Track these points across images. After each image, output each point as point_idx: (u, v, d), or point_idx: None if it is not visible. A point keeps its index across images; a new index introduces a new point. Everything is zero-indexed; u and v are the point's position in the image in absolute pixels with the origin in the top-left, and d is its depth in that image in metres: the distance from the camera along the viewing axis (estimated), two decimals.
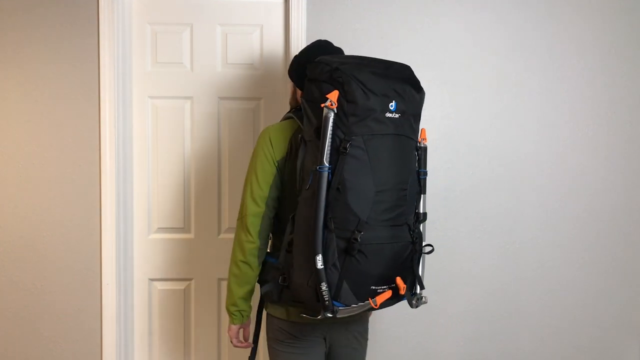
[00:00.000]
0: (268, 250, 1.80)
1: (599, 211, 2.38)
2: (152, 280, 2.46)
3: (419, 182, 1.71)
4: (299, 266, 1.59)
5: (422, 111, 1.68)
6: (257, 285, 1.79)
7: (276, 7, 2.41)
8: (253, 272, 1.74)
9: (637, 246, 2.39)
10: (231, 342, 1.85)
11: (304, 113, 1.64)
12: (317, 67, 1.60)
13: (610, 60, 2.36)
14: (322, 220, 1.51)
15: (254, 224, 1.71)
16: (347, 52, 2.01)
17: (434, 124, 2.32)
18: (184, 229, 2.45)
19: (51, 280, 2.34)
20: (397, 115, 1.58)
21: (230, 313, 1.79)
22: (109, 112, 2.32)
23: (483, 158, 2.35)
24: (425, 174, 1.74)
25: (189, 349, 2.47)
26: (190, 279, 2.46)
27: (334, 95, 1.52)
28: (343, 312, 1.55)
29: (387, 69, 1.61)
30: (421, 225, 1.74)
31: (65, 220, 2.33)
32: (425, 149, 1.73)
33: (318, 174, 1.51)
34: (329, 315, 1.53)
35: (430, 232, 2.18)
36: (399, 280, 1.60)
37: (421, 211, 1.73)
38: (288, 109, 2.34)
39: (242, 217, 1.72)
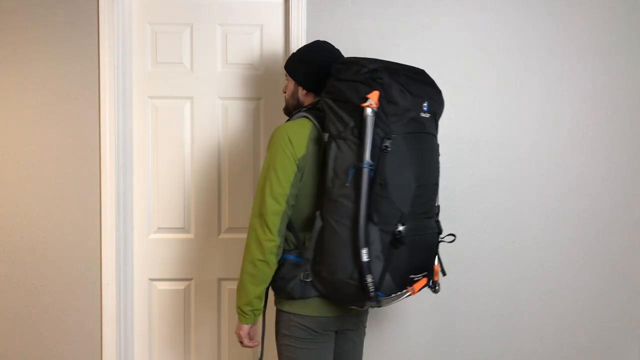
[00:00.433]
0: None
1: (599, 211, 2.38)
2: (152, 280, 2.46)
3: None
4: (336, 261, 1.64)
5: None
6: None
7: (276, 7, 2.41)
8: (271, 271, 1.73)
9: (637, 246, 2.39)
10: (241, 342, 1.84)
11: (329, 112, 1.69)
12: (351, 68, 1.67)
13: (610, 60, 2.36)
14: (366, 215, 1.59)
15: (275, 222, 1.70)
16: (347, 53, 2.02)
17: None
18: (184, 229, 2.45)
19: (51, 280, 2.34)
20: (428, 116, 1.69)
21: (243, 313, 1.77)
22: (109, 112, 2.32)
23: (483, 158, 2.35)
24: None
25: (189, 349, 2.47)
26: (190, 279, 2.46)
27: (374, 96, 1.59)
28: (385, 301, 1.66)
29: (417, 73, 1.72)
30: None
31: (65, 220, 2.33)
32: None
33: (361, 171, 1.59)
34: (373, 306, 1.64)
35: None
36: (436, 267, 1.77)
37: (437, 204, 1.83)
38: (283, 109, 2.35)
39: (260, 215, 1.70)
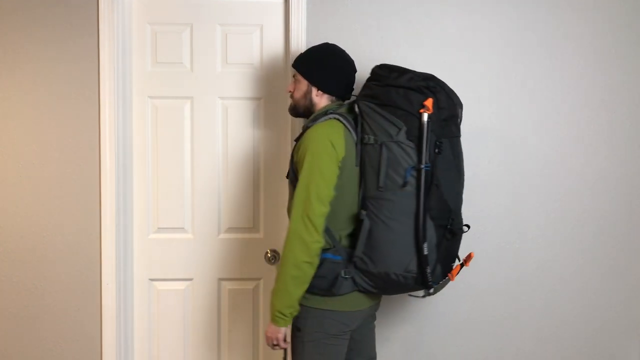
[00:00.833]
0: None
1: (599, 211, 2.38)
2: (152, 280, 2.46)
3: None
4: (390, 256, 1.77)
5: None
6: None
7: (276, 7, 2.41)
8: (313, 272, 1.78)
9: (637, 246, 2.39)
10: (274, 345, 1.85)
11: (375, 116, 1.79)
12: (402, 76, 1.79)
13: (610, 60, 2.36)
14: (425, 211, 1.75)
15: (321, 223, 1.76)
16: (346, 52, 2.02)
17: None
18: (184, 229, 2.45)
19: (51, 280, 2.34)
20: (459, 121, 1.90)
21: (282, 316, 1.79)
22: (109, 112, 2.32)
23: (483, 158, 2.35)
24: None
25: (188, 349, 2.47)
26: (190, 279, 2.46)
27: (430, 103, 1.74)
28: (436, 289, 1.84)
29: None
30: None
31: (65, 220, 2.33)
32: None
33: (421, 172, 1.74)
34: (426, 294, 1.83)
35: None
36: (472, 254, 1.96)
37: None
38: (288, 109, 2.35)
39: (307, 217, 1.74)
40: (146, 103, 2.43)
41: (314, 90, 1.93)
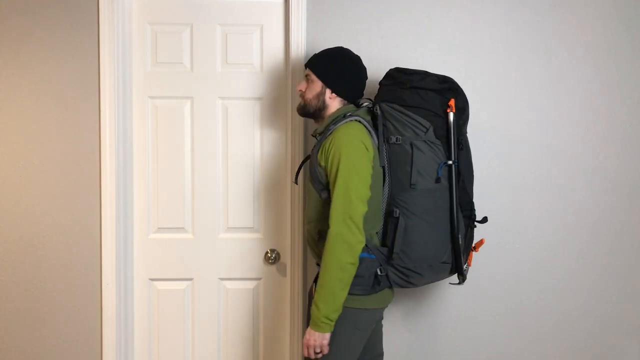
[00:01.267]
0: None
1: (599, 210, 2.38)
2: (152, 280, 2.46)
3: None
4: (427, 249, 1.85)
5: None
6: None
7: (276, 7, 2.41)
8: (355, 272, 1.80)
9: (637, 246, 2.39)
10: (317, 354, 1.82)
11: (401, 118, 1.86)
12: (425, 78, 1.88)
13: (610, 60, 2.36)
14: (458, 204, 1.88)
15: (362, 223, 1.80)
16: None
17: None
18: (184, 229, 2.45)
19: (51, 280, 2.34)
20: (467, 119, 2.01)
21: (329, 321, 1.79)
22: (109, 112, 2.32)
23: (483, 158, 2.35)
24: None
25: (189, 348, 2.47)
26: (190, 279, 2.46)
27: (453, 103, 1.86)
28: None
29: None
30: None
31: (65, 220, 2.33)
32: None
33: (451, 168, 1.86)
34: (460, 281, 1.96)
35: None
36: (483, 240, 2.04)
37: None
38: (288, 109, 2.35)
39: (349, 218, 1.77)
40: (146, 103, 2.43)
41: (328, 92, 1.95)
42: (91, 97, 2.32)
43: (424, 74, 1.91)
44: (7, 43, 2.31)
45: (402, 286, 1.91)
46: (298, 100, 2.28)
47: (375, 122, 1.93)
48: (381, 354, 2.11)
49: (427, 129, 1.85)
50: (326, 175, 1.87)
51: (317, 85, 1.95)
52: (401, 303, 2.36)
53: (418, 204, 1.85)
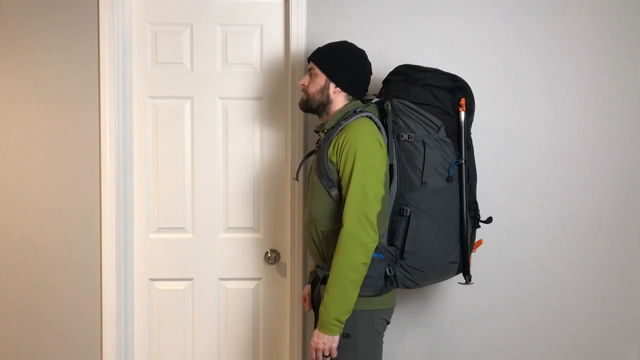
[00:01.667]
0: None
1: (598, 211, 2.38)
2: (152, 280, 2.46)
3: None
4: (436, 249, 1.84)
5: None
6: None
7: (276, 7, 2.41)
8: (366, 273, 1.76)
9: (637, 246, 2.39)
10: (325, 357, 1.77)
11: (412, 115, 1.84)
12: (437, 77, 1.87)
13: (610, 60, 2.36)
14: (467, 204, 1.88)
15: (376, 222, 1.76)
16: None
17: None
18: (184, 229, 2.45)
19: (51, 280, 2.34)
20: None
21: (340, 323, 1.74)
22: (109, 112, 2.32)
23: (483, 158, 2.34)
24: None
25: (189, 348, 2.47)
26: (190, 279, 2.46)
27: (464, 102, 1.85)
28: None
29: None
30: None
31: (65, 221, 2.33)
32: None
33: (462, 167, 1.86)
34: (467, 280, 1.94)
35: None
36: (482, 241, 2.02)
37: None
38: (288, 109, 2.35)
39: (364, 217, 1.73)
40: (146, 103, 2.43)
41: (332, 86, 1.90)
42: (91, 97, 2.32)
43: (437, 72, 1.90)
44: (6, 43, 2.31)
45: (408, 286, 1.87)
46: (298, 100, 2.29)
47: (384, 118, 1.89)
48: None
49: (439, 128, 1.84)
50: (337, 172, 1.81)
51: (321, 79, 1.90)
52: (400, 302, 2.36)
53: (429, 203, 1.83)
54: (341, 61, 1.90)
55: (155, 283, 2.46)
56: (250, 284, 2.47)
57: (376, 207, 1.75)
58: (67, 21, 2.31)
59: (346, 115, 1.87)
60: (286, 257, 2.41)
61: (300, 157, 2.32)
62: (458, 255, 1.89)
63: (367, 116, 1.85)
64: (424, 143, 1.83)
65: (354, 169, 1.75)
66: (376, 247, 1.79)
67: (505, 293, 2.38)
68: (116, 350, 2.35)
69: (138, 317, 2.46)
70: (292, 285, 2.36)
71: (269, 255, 2.43)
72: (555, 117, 2.36)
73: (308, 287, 2.08)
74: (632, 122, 2.37)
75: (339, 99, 1.91)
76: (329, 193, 1.83)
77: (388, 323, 1.89)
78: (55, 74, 2.32)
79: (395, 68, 1.98)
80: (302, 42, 2.31)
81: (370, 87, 2.00)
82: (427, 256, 1.83)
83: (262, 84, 2.43)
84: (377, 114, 1.90)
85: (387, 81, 1.98)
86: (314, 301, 1.95)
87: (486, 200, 2.34)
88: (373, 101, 1.94)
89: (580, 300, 2.39)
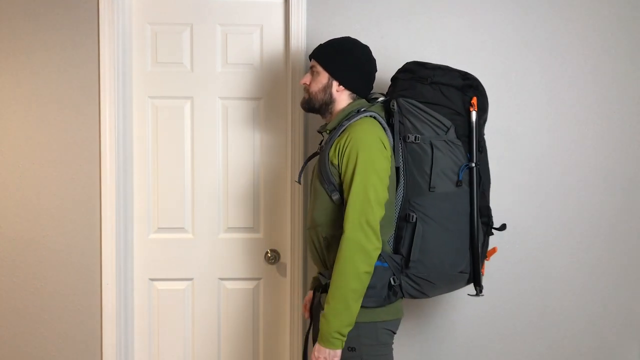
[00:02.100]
0: None
1: (598, 211, 2.38)
2: (152, 280, 2.46)
3: None
4: (444, 257, 1.72)
5: None
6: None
7: (276, 7, 2.41)
8: (368, 282, 1.66)
9: (637, 246, 2.39)
10: None
11: (419, 115, 1.74)
12: (447, 74, 1.76)
13: (610, 60, 2.36)
14: (478, 210, 1.77)
15: (379, 228, 1.67)
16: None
17: None
18: (184, 229, 2.45)
19: (51, 280, 2.34)
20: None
21: (340, 337, 1.64)
22: (109, 112, 2.32)
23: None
24: None
25: (189, 348, 2.47)
26: (190, 279, 2.46)
27: (475, 101, 1.74)
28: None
29: None
30: None
31: (65, 220, 2.33)
32: None
33: (473, 171, 1.74)
34: (478, 292, 1.83)
35: None
36: (496, 248, 1.94)
37: None
38: (288, 109, 2.35)
39: (366, 223, 1.63)
40: (146, 103, 2.43)
41: (335, 85, 1.82)
42: (91, 97, 2.32)
43: (447, 69, 1.78)
44: (6, 43, 2.31)
45: (414, 297, 1.77)
46: (298, 100, 2.29)
47: (390, 118, 1.78)
48: None
49: (448, 128, 1.73)
50: (339, 175, 1.72)
51: (323, 77, 1.82)
52: None
53: (436, 209, 1.71)
54: (344, 58, 1.81)
55: (155, 283, 2.46)
56: (250, 284, 2.47)
57: (379, 213, 1.66)
58: (67, 21, 2.31)
59: (349, 115, 1.78)
60: (286, 257, 2.41)
61: (300, 157, 2.32)
62: (468, 265, 1.77)
63: (371, 116, 1.76)
64: (431, 145, 1.72)
65: (355, 171, 1.66)
66: (380, 255, 1.70)
67: (505, 293, 2.38)
68: (116, 350, 2.35)
69: (138, 317, 2.46)
70: (292, 285, 2.36)
71: (269, 255, 2.43)
72: (555, 117, 2.36)
73: (311, 294, 1.99)
74: (632, 122, 2.37)
75: (342, 98, 1.83)
76: (330, 197, 1.75)
77: (395, 333, 1.79)
78: (55, 74, 2.32)
79: (403, 65, 1.87)
80: (302, 41, 2.31)
81: (376, 86, 1.94)
82: (434, 265, 1.71)
83: (262, 84, 2.43)
84: (382, 113, 1.81)
85: (394, 79, 1.87)
86: (313, 309, 1.88)
87: None
88: (379, 100, 1.84)
89: (580, 300, 2.39)
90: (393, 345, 1.82)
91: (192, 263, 2.45)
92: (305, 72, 2.30)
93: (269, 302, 2.47)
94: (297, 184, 2.32)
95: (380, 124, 1.77)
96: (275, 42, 2.42)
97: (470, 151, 1.75)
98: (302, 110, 2.24)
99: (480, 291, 1.82)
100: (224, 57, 2.42)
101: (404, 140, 1.75)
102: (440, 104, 1.74)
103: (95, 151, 2.33)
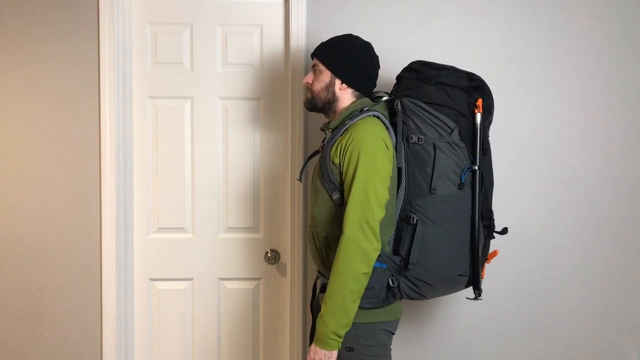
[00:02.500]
0: None
1: (599, 211, 2.38)
2: (152, 280, 2.46)
3: None
4: (444, 260, 1.72)
5: None
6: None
7: (276, 7, 2.41)
8: (367, 283, 1.66)
9: (637, 246, 2.39)
10: None
11: (424, 115, 1.73)
12: (452, 75, 1.75)
13: (610, 61, 2.36)
14: (480, 213, 1.76)
15: (378, 229, 1.66)
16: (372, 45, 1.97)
17: None
18: (184, 229, 2.45)
19: (51, 280, 2.34)
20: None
21: (338, 337, 1.64)
22: (109, 112, 2.32)
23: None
24: None
25: (189, 348, 2.47)
26: (190, 279, 2.46)
27: (480, 102, 1.73)
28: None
29: None
30: None
31: (65, 220, 2.33)
32: None
33: (475, 173, 1.73)
34: (477, 295, 1.81)
35: None
36: (497, 251, 1.91)
37: None
38: (288, 109, 2.35)
39: (366, 223, 1.63)
40: (146, 103, 2.43)
41: (338, 83, 1.80)
42: (91, 97, 2.32)
43: (452, 70, 1.77)
44: (6, 43, 2.31)
45: (412, 298, 1.76)
46: (298, 100, 2.29)
47: (393, 118, 1.77)
48: None
49: (452, 130, 1.72)
50: (340, 174, 1.71)
51: (326, 75, 1.80)
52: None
53: (437, 211, 1.70)
54: (346, 55, 1.79)
55: (155, 283, 2.46)
56: (250, 284, 2.47)
57: (379, 213, 1.65)
58: (67, 21, 2.31)
59: (352, 114, 1.77)
60: (286, 257, 2.41)
61: (300, 156, 2.32)
62: (468, 268, 1.76)
63: (374, 115, 1.75)
64: (434, 146, 1.71)
65: (356, 171, 1.65)
66: (379, 256, 1.69)
67: (506, 293, 2.38)
68: (116, 350, 2.35)
69: (138, 317, 2.46)
70: (292, 285, 2.36)
71: (269, 255, 2.43)
72: (556, 116, 2.36)
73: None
74: (634, 121, 2.37)
75: (345, 96, 1.82)
76: (330, 196, 1.74)
77: (393, 334, 1.79)
78: (55, 74, 2.32)
79: (409, 64, 1.85)
80: (302, 41, 2.31)
81: (379, 85, 1.93)
82: (433, 267, 1.71)
83: (262, 83, 2.43)
84: (386, 113, 1.80)
85: (399, 78, 1.86)
86: (313, 309, 1.88)
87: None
88: (383, 99, 1.83)
89: (581, 301, 2.39)
90: (391, 346, 1.82)
91: (192, 263, 2.45)
92: (306, 72, 2.30)
93: (269, 302, 2.47)
94: (297, 184, 2.32)
95: (384, 123, 1.76)
96: (275, 42, 2.42)
97: (473, 153, 1.74)
98: (302, 110, 2.24)
99: (479, 295, 1.81)
100: (224, 57, 2.42)
101: (407, 141, 1.74)
102: (445, 104, 1.73)
103: (95, 151, 2.33)
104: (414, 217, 1.71)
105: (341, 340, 1.65)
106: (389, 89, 1.96)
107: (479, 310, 2.37)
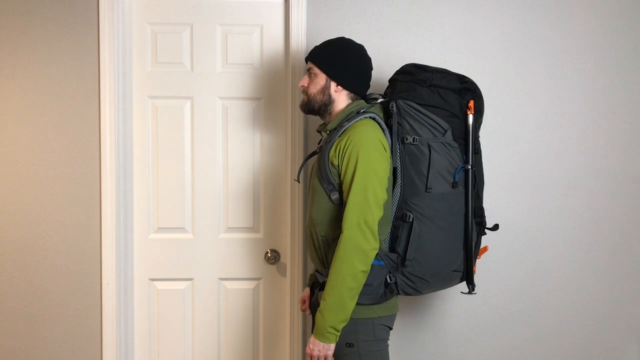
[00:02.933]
0: None
1: (598, 211, 2.38)
2: (152, 280, 2.46)
3: None
4: (439, 256, 1.78)
5: None
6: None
7: (276, 7, 2.41)
8: (365, 280, 1.71)
9: (637, 246, 2.39)
10: None
11: (418, 117, 1.78)
12: (445, 77, 1.81)
13: (610, 60, 2.36)
14: (473, 211, 1.82)
15: (377, 229, 1.71)
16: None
17: None
18: (184, 229, 2.45)
19: (51, 280, 2.34)
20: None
21: (335, 332, 1.70)
22: (109, 112, 2.32)
23: (482, 158, 2.34)
24: None
25: (188, 348, 2.47)
26: (190, 279, 2.46)
27: (472, 104, 1.79)
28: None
29: None
30: None
31: (65, 220, 2.33)
32: None
33: (468, 172, 1.80)
34: (470, 290, 1.88)
35: None
36: (487, 247, 1.97)
37: None
38: (288, 109, 2.35)
39: (365, 223, 1.68)
40: (146, 103, 2.43)
41: (333, 85, 1.84)
42: (91, 97, 2.32)
43: (445, 72, 1.83)
44: (6, 43, 2.31)
45: (409, 294, 1.82)
46: (298, 100, 2.29)
47: (388, 119, 1.82)
48: None
49: (446, 131, 1.78)
50: (339, 175, 1.75)
51: (321, 78, 1.84)
52: (400, 303, 2.36)
53: (432, 209, 1.77)
54: (340, 58, 1.84)
55: (155, 283, 2.46)
56: (250, 284, 2.47)
57: (377, 213, 1.70)
58: (67, 21, 2.31)
59: (349, 116, 1.81)
60: (286, 257, 2.41)
61: (300, 156, 2.32)
62: (462, 264, 1.84)
63: (371, 117, 1.79)
64: (429, 146, 1.77)
65: (355, 172, 1.70)
66: (377, 254, 1.75)
67: (506, 293, 2.38)
68: (116, 350, 2.35)
69: (138, 317, 2.46)
70: (292, 285, 2.36)
71: (269, 255, 2.43)
72: (556, 116, 2.36)
73: (308, 290, 2.06)
74: (634, 121, 2.37)
75: (341, 98, 1.86)
76: (329, 197, 1.78)
77: (391, 329, 1.84)
78: (55, 74, 2.32)
79: (402, 67, 1.91)
80: (302, 42, 2.31)
81: (374, 87, 1.96)
82: (429, 264, 1.78)
83: (262, 84, 2.43)
84: (381, 114, 1.84)
85: (392, 80, 1.91)
86: (312, 306, 1.91)
87: (486, 201, 2.34)
88: (378, 101, 1.87)
89: (581, 301, 2.39)
90: (389, 341, 1.86)
91: (192, 263, 2.45)
92: (305, 73, 2.30)
93: (269, 302, 2.47)
94: (297, 184, 2.32)
95: (380, 125, 1.80)
96: (275, 42, 2.42)
97: (466, 153, 1.81)
98: (303, 113, 2.25)
99: (473, 289, 1.88)
100: (224, 57, 2.42)
101: (402, 142, 1.80)
102: (438, 106, 1.79)
103: (95, 151, 2.33)
104: (410, 216, 1.77)
105: (339, 334, 1.71)
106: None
107: (476, 311, 2.37)
